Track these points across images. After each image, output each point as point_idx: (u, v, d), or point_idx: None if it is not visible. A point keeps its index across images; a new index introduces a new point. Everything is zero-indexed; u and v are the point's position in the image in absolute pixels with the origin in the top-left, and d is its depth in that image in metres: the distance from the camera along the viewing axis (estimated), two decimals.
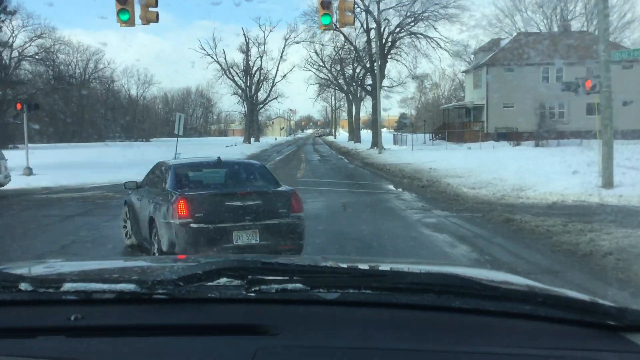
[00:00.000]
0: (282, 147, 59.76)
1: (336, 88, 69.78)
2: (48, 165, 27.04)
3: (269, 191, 7.15)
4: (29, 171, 23.05)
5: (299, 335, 1.34)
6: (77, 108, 68.56)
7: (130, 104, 78.04)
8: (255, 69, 67.00)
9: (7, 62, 53.15)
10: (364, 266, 2.05)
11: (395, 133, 62.56)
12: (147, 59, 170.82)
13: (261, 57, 66.72)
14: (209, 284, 1.47)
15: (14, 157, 25.07)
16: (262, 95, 70.67)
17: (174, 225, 6.50)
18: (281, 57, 75.06)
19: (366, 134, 66.81)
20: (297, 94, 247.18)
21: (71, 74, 65.25)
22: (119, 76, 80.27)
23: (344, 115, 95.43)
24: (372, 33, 43.38)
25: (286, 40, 64.09)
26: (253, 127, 70.94)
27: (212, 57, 64.12)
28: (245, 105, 69.40)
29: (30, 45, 54.15)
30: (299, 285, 1.43)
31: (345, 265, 2.00)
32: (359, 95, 59.18)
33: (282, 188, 7.34)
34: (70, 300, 1.49)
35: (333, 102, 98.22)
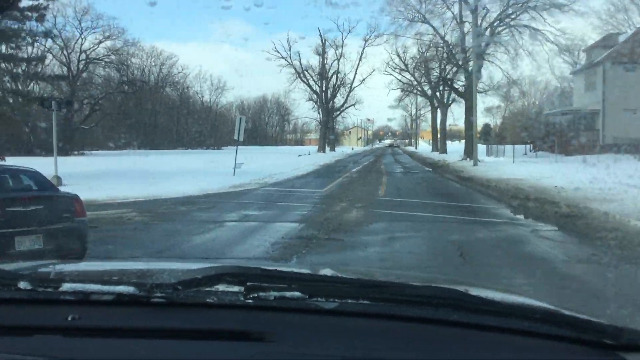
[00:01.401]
0: (359, 157, 54.93)
1: (419, 93, 64.23)
2: (86, 175, 23.44)
3: (51, 195, 7.03)
4: (57, 181, 19.30)
5: (296, 343, 1.32)
6: (150, 114, 66.73)
7: (203, 111, 75.80)
8: (331, 72, 62.66)
9: (76, 64, 51.51)
10: (363, 277, 1.94)
11: (483, 144, 56.23)
12: (224, 69, 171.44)
13: (338, 60, 62.35)
14: (208, 289, 1.46)
15: (68, 164, 22.38)
16: (338, 102, 66.23)
17: None
18: (360, 59, 69.90)
19: (450, 145, 60.79)
20: (375, 102, 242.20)
21: (144, 80, 63.41)
22: (192, 82, 78.44)
23: (424, 125, 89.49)
24: (467, 27, 37.71)
25: (365, 41, 59.45)
26: (328, 135, 66.49)
27: (286, 60, 60.45)
28: (321, 112, 65.14)
29: (97, 47, 52.35)
30: (297, 293, 1.42)
31: (344, 276, 1.84)
32: (445, 100, 53.39)
33: (64, 193, 7.34)
34: (68, 301, 1.48)
35: (413, 111, 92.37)
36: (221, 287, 1.48)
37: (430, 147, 74.96)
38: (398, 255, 8.41)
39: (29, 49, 23.79)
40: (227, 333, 1.37)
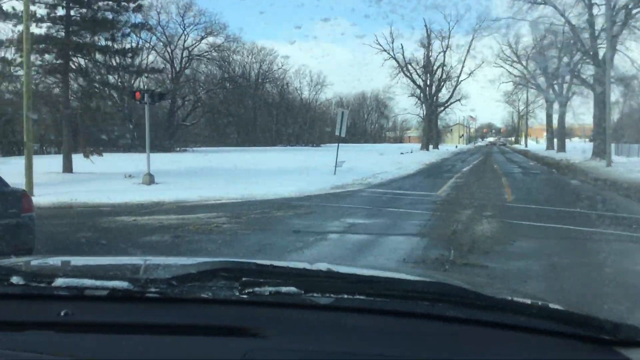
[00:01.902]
0: (465, 156, 51.31)
1: (532, 87, 59.29)
2: (181, 173, 22.32)
3: None
4: (149, 179, 18.15)
5: (290, 339, 1.32)
6: (250, 111, 66.62)
7: (302, 107, 74.89)
8: (436, 65, 59.29)
9: (179, 61, 51.91)
10: (359, 273, 1.85)
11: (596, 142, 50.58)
12: (323, 66, 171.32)
13: (444, 52, 58.88)
14: (203, 284, 1.46)
15: (165, 161, 21.58)
16: (442, 97, 62.65)
17: None
18: (468, 51, 65.65)
19: (567, 143, 55.48)
20: (479, 98, 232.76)
21: (245, 76, 63.27)
22: (291, 78, 77.72)
23: (532, 121, 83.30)
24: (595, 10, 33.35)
25: (475, 31, 55.57)
26: (432, 132, 63.13)
27: (389, 53, 57.82)
28: (424, 108, 61.92)
29: (199, 43, 52.48)
30: (292, 289, 1.42)
31: (340, 271, 1.77)
32: (564, 93, 48.53)
33: (11, 188, 6.90)
34: (61, 296, 1.47)
35: (521, 106, 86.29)
36: (216, 283, 1.47)
37: (542, 145, 69.42)
38: (584, 300, 5.85)
39: (126, 42, 23.30)
40: (222, 328, 1.36)
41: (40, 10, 20.09)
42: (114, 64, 23.83)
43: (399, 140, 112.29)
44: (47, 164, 22.79)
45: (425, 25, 58.30)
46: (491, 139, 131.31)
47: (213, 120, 60.83)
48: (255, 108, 67.71)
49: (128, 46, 22.15)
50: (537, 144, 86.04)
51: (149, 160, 18.40)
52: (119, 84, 28.46)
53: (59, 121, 22.06)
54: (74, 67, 20.91)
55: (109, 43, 21.42)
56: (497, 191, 17.82)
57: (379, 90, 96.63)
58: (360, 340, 1.32)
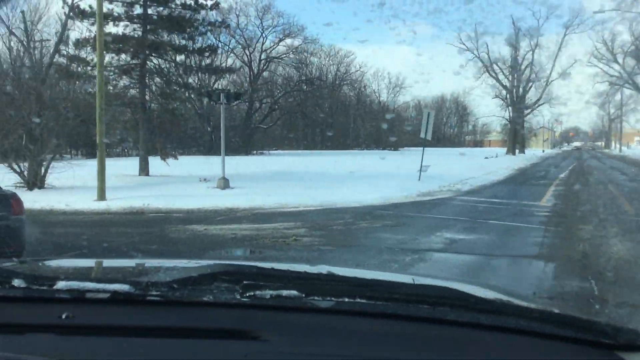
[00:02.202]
0: (556, 161, 47.85)
1: (629, 87, 54.79)
2: (257, 177, 21.31)
3: None
4: (224, 183, 17.19)
5: (291, 342, 1.31)
6: (327, 114, 65.65)
7: (379, 110, 73.13)
8: (524, 65, 55.98)
9: (257, 63, 51.60)
10: (359, 276, 1.88)
11: None
12: (402, 69, 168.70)
13: (533, 51, 55.46)
14: (203, 287, 1.46)
15: (241, 164, 20.71)
16: (530, 99, 59.08)
17: None
18: (559, 49, 61.59)
19: None
20: (566, 100, 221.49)
21: (322, 78, 62.37)
22: (369, 80, 76.10)
23: (624, 125, 77.60)
24: None
25: (567, 28, 51.96)
26: (518, 136, 59.70)
27: (473, 53, 55.13)
28: (510, 110, 58.65)
29: (277, 45, 51.95)
30: (293, 292, 1.41)
31: (341, 274, 1.80)
32: None
33: (3, 191, 7.15)
34: (62, 299, 1.46)
35: (610, 110, 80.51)
36: (217, 286, 1.46)
37: (635, 150, 64.30)
38: None
39: (203, 41, 22.65)
40: (223, 331, 1.36)
41: (118, 9, 19.71)
42: (192, 64, 23.22)
43: (479, 144, 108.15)
44: (124, 167, 22.48)
45: (513, 22, 55.09)
46: (577, 144, 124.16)
47: (289, 123, 60.31)
48: (332, 111, 66.66)
49: (205, 45, 21.41)
50: (628, 149, 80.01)
51: (223, 164, 17.45)
52: (197, 85, 27.98)
53: (136, 123, 21.62)
54: (150, 67, 20.41)
55: (186, 42, 20.80)
56: (611, 202, 15.56)
57: (459, 93, 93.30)
58: (361, 344, 1.31)
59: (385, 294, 1.47)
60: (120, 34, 19.83)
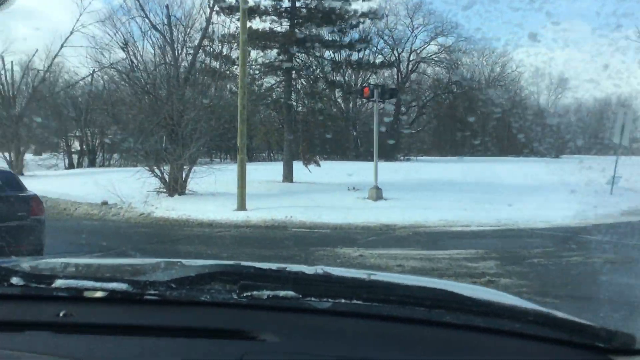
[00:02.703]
0: None
1: None
2: (411, 186, 18.68)
3: (7, 195, 7.28)
4: (376, 193, 14.85)
5: (287, 342, 1.32)
6: (478, 118, 61.11)
7: (538, 114, 66.83)
8: None
9: (405, 65, 48.96)
10: (356, 278, 1.87)
11: None
12: (563, 69, 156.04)
13: None
14: (201, 287, 1.47)
15: (391, 171, 18.39)
16: None
17: None
18: None
19: None
20: None
21: (474, 79, 58.12)
22: (526, 82, 69.92)
23: None
24: None
25: None
26: None
27: None
28: None
29: (428, 45, 48.84)
30: (290, 293, 1.43)
31: (337, 276, 1.81)
32: None
33: (25, 193, 7.47)
34: (60, 297, 1.48)
35: None
36: (214, 286, 1.48)
37: None
38: None
39: (353, 35, 20.54)
40: (220, 331, 1.36)
41: (265, 2, 18.24)
42: (340, 60, 21.23)
43: None
44: (269, 172, 21.02)
45: None
46: None
47: (438, 127, 56.85)
48: (484, 114, 61.93)
49: (356, 39, 19.29)
50: None
51: (376, 171, 15.12)
52: (345, 83, 26.05)
53: (280, 125, 20.09)
54: (297, 64, 18.72)
55: (336, 36, 18.85)
56: None
57: (629, 94, 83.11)
58: (357, 345, 1.32)
59: (382, 296, 1.47)
60: (267, 29, 18.39)
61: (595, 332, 1.36)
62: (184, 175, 16.13)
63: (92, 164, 32.46)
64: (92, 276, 1.62)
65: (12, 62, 27.58)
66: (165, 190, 16.06)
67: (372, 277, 1.96)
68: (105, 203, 14.26)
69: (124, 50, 18.12)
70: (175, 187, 15.97)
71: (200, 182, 15.88)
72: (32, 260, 2.11)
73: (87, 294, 1.47)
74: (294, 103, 20.19)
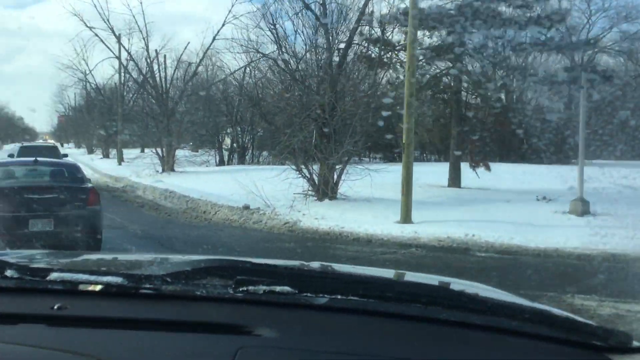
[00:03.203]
0: None
1: None
2: (629, 197, 14.67)
3: (67, 186, 8.19)
4: (581, 207, 11.41)
5: (283, 337, 1.31)
6: None
7: None
8: None
9: (582, 55, 43.05)
10: (353, 273, 1.93)
11: None
12: None
13: None
14: (197, 281, 1.48)
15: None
16: None
17: None
18: None
19: None
20: None
21: None
22: None
23: None
24: None
25: None
26: None
27: None
28: None
29: (609, 32, 42.44)
30: (286, 288, 1.42)
31: (334, 271, 1.91)
32: None
33: (84, 185, 8.32)
34: (55, 290, 1.48)
35: None
36: (210, 280, 1.49)
37: None
38: None
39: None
40: (215, 325, 1.36)
41: None
42: (526, 39, 17.64)
43: None
44: (427, 174, 18.10)
45: None
46: None
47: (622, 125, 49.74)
48: None
49: (546, 14, 15.67)
50: None
51: (581, 176, 11.67)
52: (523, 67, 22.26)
53: (449, 119, 17.16)
54: (470, 46, 15.63)
55: (522, 11, 15.42)
56: None
57: None
58: (353, 341, 1.32)
59: (378, 292, 1.47)
60: (435, 7, 15.55)
61: (592, 331, 1.37)
62: (335, 177, 13.90)
63: (241, 161, 31.80)
64: (88, 269, 1.67)
65: (165, 56, 27.50)
66: (313, 193, 13.93)
67: (369, 273, 2.00)
68: (247, 207, 12.41)
69: (272, 32, 16.29)
70: (325, 190, 13.76)
71: (353, 185, 13.55)
72: (26, 253, 2.16)
73: (82, 287, 1.47)
74: (465, 93, 17.15)
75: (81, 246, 7.55)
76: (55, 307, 1.37)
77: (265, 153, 31.98)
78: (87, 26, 26.90)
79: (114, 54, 29.25)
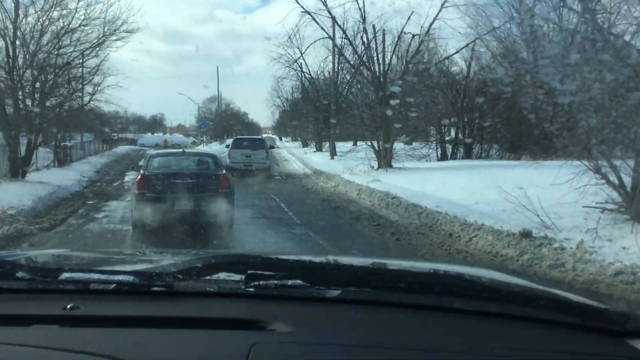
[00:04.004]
0: None
1: None
2: None
3: (205, 172, 10.13)
4: None
5: (297, 332, 1.30)
6: None
7: None
8: None
9: None
10: (364, 264, 1.88)
11: None
12: None
13: None
14: (208, 277, 1.48)
15: None
16: None
17: (135, 195, 9.52)
18: None
19: None
20: None
21: None
22: None
23: None
24: None
25: None
26: None
27: None
28: None
29: None
30: (298, 282, 1.43)
31: (345, 263, 1.81)
32: None
33: (218, 172, 10.10)
34: (67, 290, 1.49)
35: None
36: (221, 276, 1.48)
37: None
38: None
39: None
40: (229, 321, 1.34)
41: None
42: None
43: None
44: None
45: None
46: None
47: None
48: None
49: None
50: None
51: None
52: None
53: None
54: None
55: None
56: None
57: None
58: (367, 332, 1.30)
59: (391, 283, 1.47)
60: None
61: (608, 316, 1.34)
62: None
63: (467, 155, 26.76)
64: (99, 269, 1.64)
65: (383, 30, 23.56)
66: (621, 207, 8.63)
67: (381, 264, 1.94)
68: (526, 234, 7.68)
69: None
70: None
71: None
72: (34, 254, 2.23)
73: (93, 286, 1.46)
74: None
75: (215, 222, 9.22)
76: (68, 307, 1.35)
77: (496, 146, 26.69)
78: (299, 4, 24.28)
79: (327, 34, 26.29)
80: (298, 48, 35.46)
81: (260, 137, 34.05)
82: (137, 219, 9.26)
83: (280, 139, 57.80)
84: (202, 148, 47.26)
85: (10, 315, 1.38)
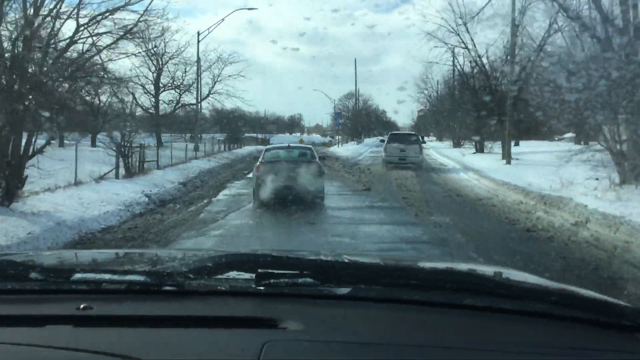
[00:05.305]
0: None
1: None
2: None
3: (305, 161, 13.81)
4: None
5: (308, 329, 1.30)
6: None
7: None
8: None
9: None
10: (375, 262, 1.96)
11: None
12: None
13: None
14: (219, 276, 1.49)
15: None
16: None
17: (255, 177, 13.23)
18: None
19: None
20: None
21: None
22: None
23: None
24: None
25: None
26: None
27: None
28: None
29: None
30: (309, 280, 1.43)
31: (356, 261, 1.87)
32: None
33: (313, 160, 13.94)
34: (79, 290, 1.49)
35: None
36: (232, 275, 1.48)
37: None
38: None
39: None
40: (240, 320, 1.34)
41: None
42: None
43: None
44: None
45: None
46: None
47: None
48: None
49: None
50: None
51: None
52: None
53: None
54: None
55: None
56: None
57: None
58: (378, 330, 1.29)
59: (402, 280, 1.47)
60: None
61: (620, 311, 1.33)
62: None
63: None
64: (110, 269, 1.69)
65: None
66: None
67: (391, 262, 1.99)
68: None
69: None
70: None
71: None
72: (46, 254, 2.24)
73: (105, 286, 1.46)
74: None
75: (309, 199, 12.88)
76: (81, 308, 1.35)
77: None
78: None
79: None
80: (461, 18, 27.77)
81: (414, 132, 34.41)
82: (258, 192, 12.81)
83: (422, 138, 50.28)
84: (336, 149, 40.54)
85: (24, 316, 1.38)
